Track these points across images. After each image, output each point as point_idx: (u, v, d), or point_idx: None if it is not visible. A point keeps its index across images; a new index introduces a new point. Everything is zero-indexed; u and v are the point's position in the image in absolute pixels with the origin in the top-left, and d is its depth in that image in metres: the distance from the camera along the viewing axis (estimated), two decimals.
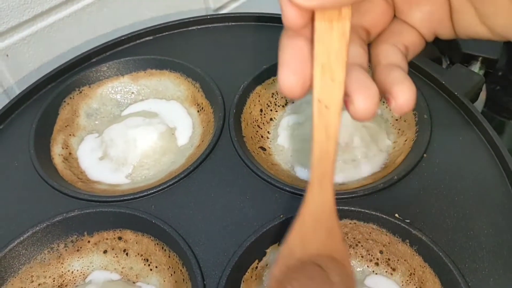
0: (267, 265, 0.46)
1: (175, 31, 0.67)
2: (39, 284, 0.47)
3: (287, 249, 0.35)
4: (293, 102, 0.60)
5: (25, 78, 0.67)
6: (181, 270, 0.45)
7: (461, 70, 0.56)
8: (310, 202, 0.33)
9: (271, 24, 0.66)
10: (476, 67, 0.58)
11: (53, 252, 0.48)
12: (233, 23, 0.67)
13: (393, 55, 0.32)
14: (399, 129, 0.55)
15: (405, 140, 0.53)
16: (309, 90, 0.29)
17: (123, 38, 0.65)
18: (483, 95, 0.70)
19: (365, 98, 0.28)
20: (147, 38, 0.66)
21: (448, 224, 0.45)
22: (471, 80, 0.55)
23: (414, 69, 0.57)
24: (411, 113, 0.55)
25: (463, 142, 0.51)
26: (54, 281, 0.47)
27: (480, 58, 0.59)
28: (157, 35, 0.67)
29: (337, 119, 0.29)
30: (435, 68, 0.56)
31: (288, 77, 0.28)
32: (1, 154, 0.55)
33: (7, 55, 0.65)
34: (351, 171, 0.52)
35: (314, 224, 0.33)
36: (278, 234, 0.46)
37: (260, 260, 0.46)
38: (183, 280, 0.45)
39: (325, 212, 0.33)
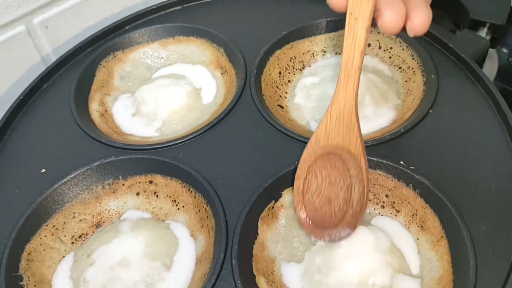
0: (282, 205, 0.51)
1: (202, 1, 0.72)
2: (80, 220, 0.53)
3: (314, 137, 0.44)
4: (310, 66, 0.65)
5: (61, 48, 0.73)
6: (205, 208, 0.51)
7: (468, 35, 0.60)
8: (336, 100, 0.41)
9: None
10: (483, 33, 0.62)
11: (92, 193, 0.54)
12: None
13: None
14: (408, 89, 0.59)
15: (413, 99, 0.57)
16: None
17: (153, 7, 0.70)
18: (494, 67, 0.73)
19: (392, 13, 0.34)
20: (176, 8, 0.72)
21: (449, 171, 0.50)
22: (477, 43, 0.58)
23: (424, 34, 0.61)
24: (420, 74, 0.59)
25: (467, 99, 0.55)
26: (93, 217, 0.53)
27: (487, 24, 0.62)
28: (184, 5, 0.72)
29: (364, 31, 0.35)
30: (444, 33, 0.60)
31: None
32: (45, 109, 0.61)
33: (47, 27, 0.71)
34: (362, 126, 0.56)
35: (338, 119, 0.41)
36: (293, 178, 0.51)
37: (276, 201, 0.51)
38: (207, 217, 0.50)
39: (347, 110, 0.41)
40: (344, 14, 0.36)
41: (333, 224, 0.46)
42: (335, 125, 0.42)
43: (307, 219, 0.47)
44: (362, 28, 0.35)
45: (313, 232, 0.48)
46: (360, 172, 0.43)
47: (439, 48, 0.60)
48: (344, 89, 0.40)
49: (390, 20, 0.34)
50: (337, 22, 0.65)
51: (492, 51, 0.72)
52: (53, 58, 0.71)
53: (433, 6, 0.71)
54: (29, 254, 0.49)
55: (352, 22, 0.35)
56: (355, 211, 0.45)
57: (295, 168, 0.51)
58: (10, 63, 0.69)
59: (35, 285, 0.48)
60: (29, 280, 0.48)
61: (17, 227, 0.49)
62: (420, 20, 0.35)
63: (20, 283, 0.47)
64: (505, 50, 0.75)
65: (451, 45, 0.58)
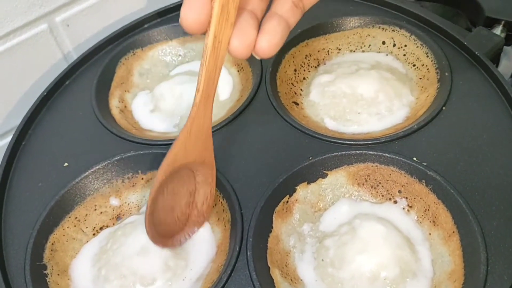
0: (296, 200, 0.52)
1: None
2: (101, 212, 0.55)
3: (173, 156, 0.42)
4: (325, 64, 0.66)
5: (82, 46, 0.75)
6: (221, 202, 0.52)
7: (483, 32, 0.60)
8: (196, 118, 0.40)
9: None
10: (498, 30, 0.62)
11: (112, 186, 0.56)
12: None
13: (282, 5, 0.37)
14: (422, 87, 0.60)
15: (427, 96, 0.58)
16: (204, 28, 0.35)
17: (172, 6, 0.72)
18: (510, 66, 0.73)
19: (239, 41, 0.35)
20: None
21: (461, 167, 0.50)
22: (491, 41, 0.59)
23: (439, 32, 0.62)
24: (434, 71, 0.59)
25: (481, 96, 0.56)
26: (113, 210, 0.55)
27: (502, 22, 0.62)
28: None
29: (225, 53, 0.36)
30: (458, 30, 0.61)
31: (188, 14, 0.34)
32: (68, 105, 0.63)
33: (68, 25, 0.73)
34: (376, 123, 0.57)
35: (196, 136, 0.42)
36: (307, 173, 0.52)
37: (290, 195, 0.52)
38: (223, 210, 0.52)
39: (205, 127, 0.42)
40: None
41: (178, 228, 0.48)
42: (194, 142, 0.42)
43: (157, 236, 0.47)
44: (224, 51, 0.36)
45: (166, 244, 0.48)
46: (210, 177, 0.46)
47: (454, 45, 0.61)
48: (204, 107, 0.40)
49: (235, 47, 0.35)
50: (351, 21, 0.66)
51: (508, 49, 0.72)
52: (75, 56, 0.73)
53: (449, 4, 0.72)
54: (52, 244, 0.51)
55: (216, 44, 0.35)
56: (200, 211, 0.48)
57: (310, 164, 0.52)
58: (33, 61, 0.71)
59: (58, 274, 0.50)
60: (52, 269, 0.50)
61: (41, 218, 0.52)
62: (262, 44, 0.36)
63: (44, 271, 0.49)
64: None
65: (465, 43, 0.59)
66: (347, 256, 0.47)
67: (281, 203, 0.51)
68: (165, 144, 0.56)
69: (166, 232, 0.48)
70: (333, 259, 0.47)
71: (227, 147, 0.55)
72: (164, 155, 0.54)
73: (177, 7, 0.72)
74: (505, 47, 0.64)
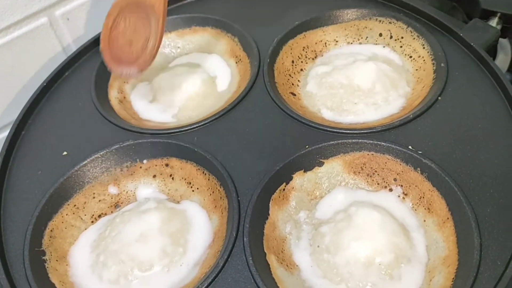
0: (293, 188, 0.53)
1: None
2: (99, 200, 0.55)
3: None
4: (322, 55, 0.66)
5: (81, 39, 0.75)
6: (218, 190, 0.53)
7: (478, 24, 0.61)
8: None
9: None
10: (494, 22, 0.62)
11: (111, 174, 0.56)
12: None
13: None
14: (418, 78, 0.60)
15: (423, 87, 0.59)
16: None
17: None
18: (507, 58, 0.74)
19: None
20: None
21: (456, 155, 0.51)
22: (487, 32, 0.59)
23: (435, 24, 0.63)
24: (430, 62, 0.60)
25: (476, 86, 0.56)
26: (112, 198, 0.56)
27: (498, 14, 0.63)
28: None
29: None
30: (454, 22, 0.61)
31: None
32: (67, 96, 0.64)
33: (68, 19, 0.73)
34: (372, 113, 0.58)
35: None
36: (303, 162, 0.53)
37: (287, 183, 0.52)
38: (220, 198, 0.52)
39: None
40: None
41: (128, 61, 0.56)
42: None
43: (108, 54, 0.57)
44: None
45: (112, 66, 0.58)
46: (157, 28, 0.54)
47: (450, 37, 0.61)
48: None
49: None
50: (349, 13, 0.66)
51: (505, 42, 0.73)
52: (74, 49, 0.73)
53: None
54: (51, 231, 0.52)
55: None
56: (145, 58, 0.56)
57: (307, 152, 0.53)
58: (33, 54, 0.71)
59: (57, 260, 0.50)
60: (51, 255, 0.50)
61: (40, 206, 0.52)
62: None
63: (43, 257, 0.50)
64: None
65: (461, 34, 0.59)
66: (342, 243, 0.47)
67: (277, 191, 0.52)
68: (163, 134, 0.57)
69: (117, 57, 0.57)
70: (329, 245, 0.48)
71: (225, 136, 0.56)
72: (162, 144, 0.56)
73: (175, 0, 0.73)
74: (501, 39, 0.64)
